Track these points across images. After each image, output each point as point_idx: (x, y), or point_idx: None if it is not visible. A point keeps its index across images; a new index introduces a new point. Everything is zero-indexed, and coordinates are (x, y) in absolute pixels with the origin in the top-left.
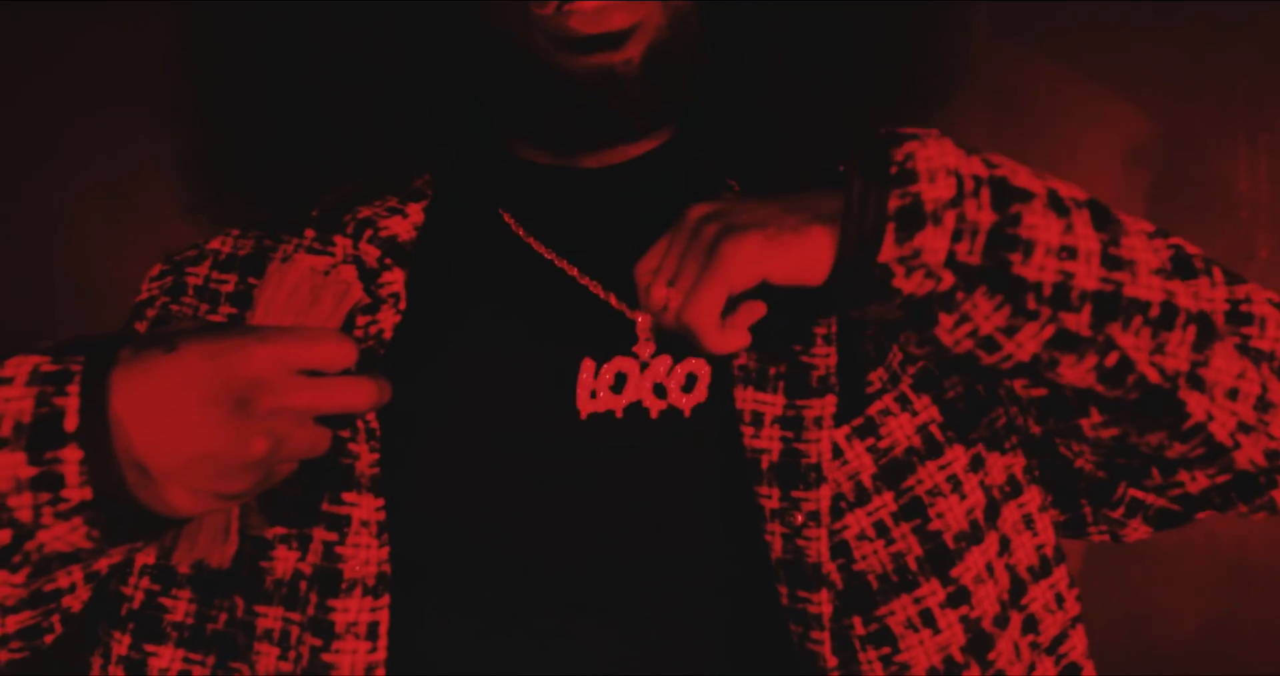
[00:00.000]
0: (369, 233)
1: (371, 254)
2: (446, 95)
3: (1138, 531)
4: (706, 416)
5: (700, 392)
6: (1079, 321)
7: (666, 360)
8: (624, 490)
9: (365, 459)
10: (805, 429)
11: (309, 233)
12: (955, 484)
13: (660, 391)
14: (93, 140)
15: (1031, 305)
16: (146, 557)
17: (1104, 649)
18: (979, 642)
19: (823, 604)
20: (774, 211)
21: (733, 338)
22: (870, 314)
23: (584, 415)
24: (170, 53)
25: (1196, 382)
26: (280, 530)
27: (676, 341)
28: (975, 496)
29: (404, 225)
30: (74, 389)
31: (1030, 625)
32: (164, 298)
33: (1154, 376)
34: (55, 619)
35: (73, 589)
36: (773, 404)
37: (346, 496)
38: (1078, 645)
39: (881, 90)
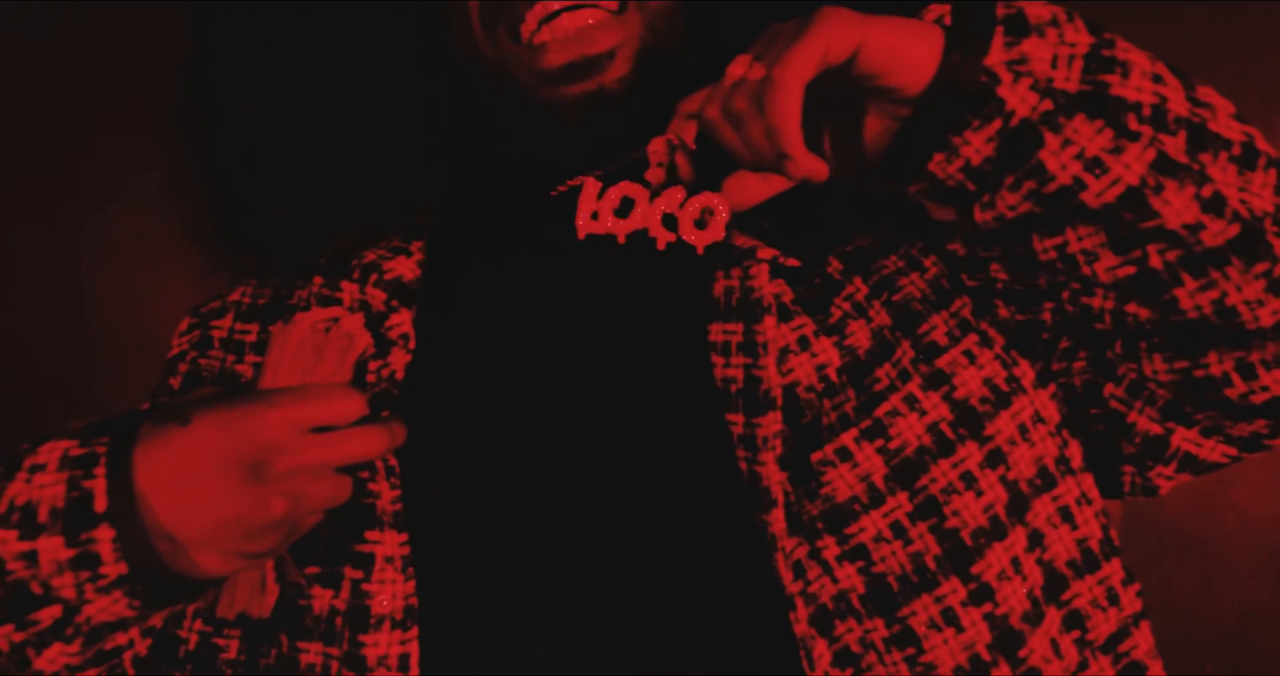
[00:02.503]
0: (374, 276)
1: (378, 297)
2: (433, 132)
3: (1174, 481)
4: (721, 257)
5: (716, 230)
6: (1177, 146)
7: (680, 191)
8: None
9: (387, 496)
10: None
11: (317, 280)
12: (970, 480)
13: (670, 223)
14: (121, 196)
15: (1133, 126)
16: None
17: None
18: (1007, 640)
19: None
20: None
21: (808, 155)
22: (964, 152)
23: (581, 235)
24: (170, 118)
25: None
26: (314, 569)
27: (703, 176)
28: (994, 492)
29: (408, 264)
30: (100, 470)
31: (1075, 621)
32: (193, 352)
33: (1245, 213)
34: (127, 664)
35: (131, 644)
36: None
37: (370, 535)
38: (1141, 643)
39: None
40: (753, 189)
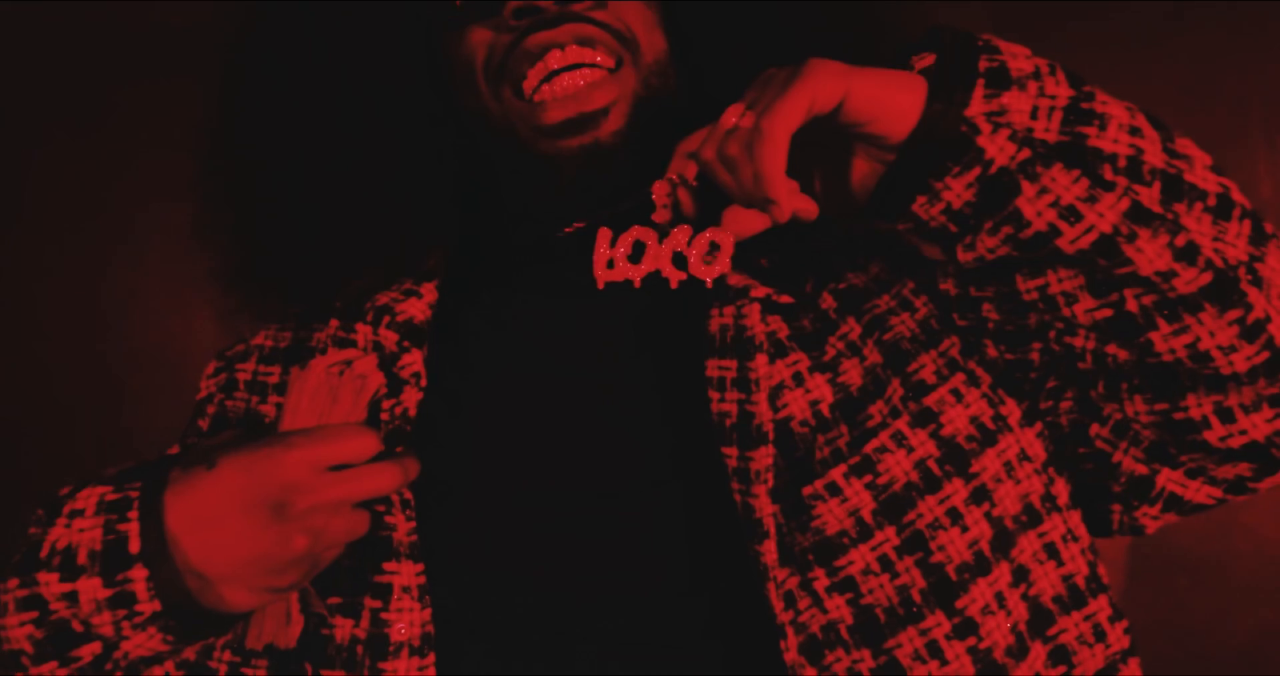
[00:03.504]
0: (386, 319)
1: (390, 338)
2: (441, 181)
3: (1160, 521)
4: (717, 295)
5: (723, 263)
6: (1151, 196)
7: (687, 229)
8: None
9: (403, 528)
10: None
11: (334, 322)
12: (955, 516)
13: (680, 261)
14: (151, 237)
15: (1109, 176)
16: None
17: (1154, 661)
18: (991, 673)
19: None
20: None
21: (796, 196)
22: (944, 196)
23: (600, 285)
24: (199, 168)
25: (1255, 276)
26: (335, 600)
27: (704, 214)
28: (979, 528)
29: (419, 306)
30: (134, 514)
31: (1060, 657)
32: (220, 394)
33: (1219, 261)
34: None
35: (167, 675)
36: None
37: (387, 565)
38: None
39: None
40: (750, 221)
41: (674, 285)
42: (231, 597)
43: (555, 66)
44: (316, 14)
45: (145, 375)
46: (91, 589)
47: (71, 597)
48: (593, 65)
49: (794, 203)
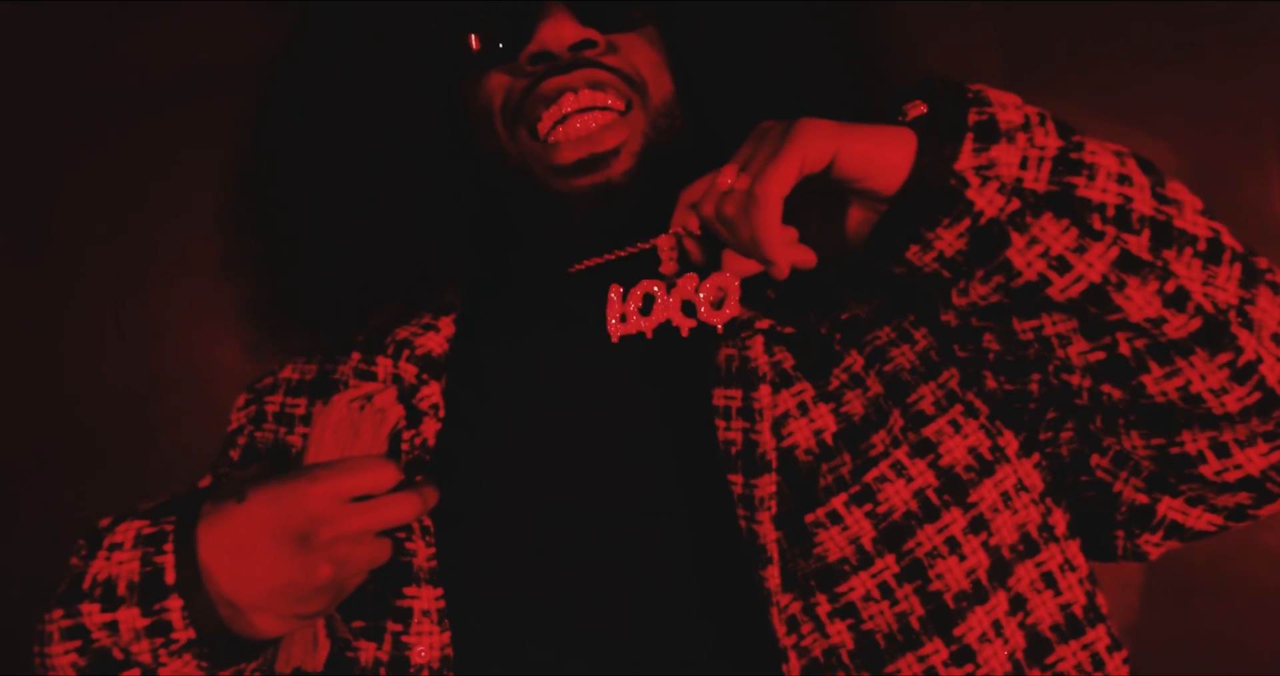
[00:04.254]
0: (406, 352)
1: (409, 371)
2: (458, 218)
3: (1162, 548)
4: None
5: (732, 307)
6: (1140, 244)
7: (694, 277)
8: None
9: (422, 554)
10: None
11: (355, 355)
12: (954, 545)
13: (689, 309)
14: (182, 270)
15: (1097, 225)
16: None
17: None
18: None
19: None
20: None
21: (793, 248)
22: (936, 245)
23: (615, 339)
24: (227, 209)
25: (1245, 319)
26: (359, 623)
27: (709, 262)
28: (976, 557)
29: (436, 339)
30: (169, 547)
31: None
32: (250, 426)
33: (1209, 306)
34: None
35: None
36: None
37: (407, 590)
38: None
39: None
40: (750, 264)
41: (685, 333)
42: (261, 625)
43: (569, 109)
44: (343, 57)
45: (172, 400)
46: (131, 618)
47: (112, 627)
48: (604, 108)
49: (791, 255)
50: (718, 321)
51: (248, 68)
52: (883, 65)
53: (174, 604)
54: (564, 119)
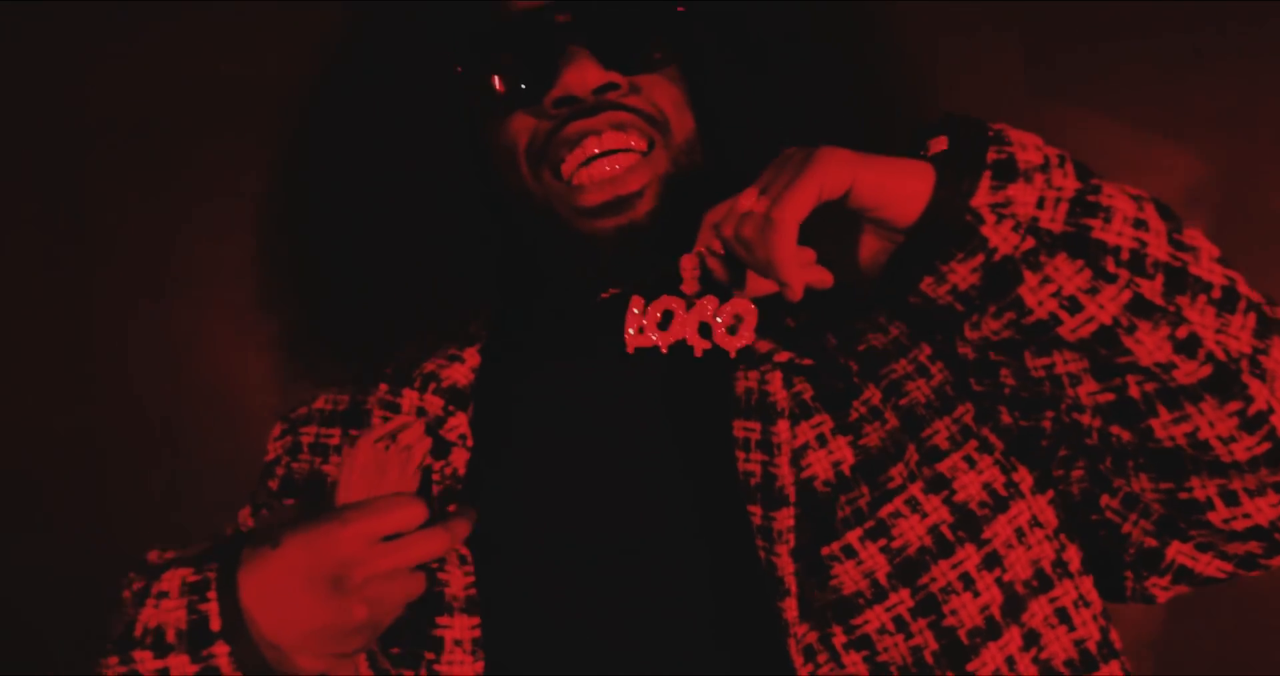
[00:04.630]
0: (433, 385)
1: (435, 404)
2: (483, 254)
3: (1170, 592)
4: (744, 358)
5: (746, 335)
6: (1153, 288)
7: (713, 300)
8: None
9: (457, 583)
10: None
11: (383, 387)
12: (968, 581)
13: (705, 331)
14: (218, 301)
15: (1111, 268)
16: None
17: None
18: None
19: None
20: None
21: (809, 270)
22: (950, 279)
23: (630, 349)
24: (261, 245)
25: (1258, 369)
26: (396, 650)
27: (729, 282)
28: (990, 593)
29: (462, 370)
30: (213, 595)
31: None
32: (286, 457)
33: (1220, 354)
34: None
35: None
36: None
37: (440, 620)
38: None
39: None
40: (769, 283)
41: (698, 353)
42: (304, 665)
43: (593, 152)
44: (372, 95)
45: (205, 414)
46: (181, 665)
47: (164, 673)
48: (627, 150)
49: (807, 277)
50: (731, 347)
51: (282, 79)
52: (904, 95)
53: (220, 649)
54: (588, 161)
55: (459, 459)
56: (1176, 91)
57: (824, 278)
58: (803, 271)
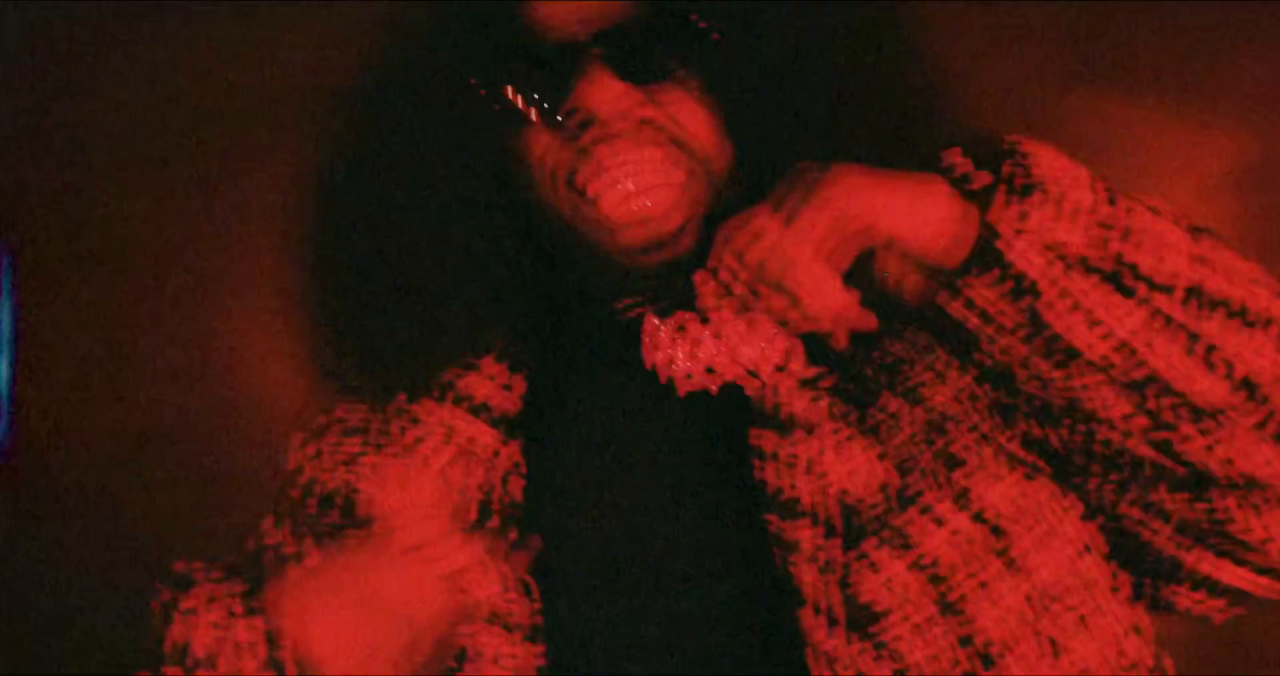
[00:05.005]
0: (485, 416)
1: (492, 436)
2: (514, 271)
3: (1190, 600)
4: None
5: (796, 370)
6: (1171, 303)
7: (736, 323)
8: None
9: (521, 611)
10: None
11: (401, 396)
12: (988, 591)
13: (753, 367)
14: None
15: (1129, 282)
16: None
17: None
18: None
19: None
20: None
21: (850, 311)
22: (966, 293)
23: (681, 393)
24: (297, 268)
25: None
26: None
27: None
28: (1010, 602)
29: (511, 399)
30: (240, 609)
31: None
32: (309, 466)
33: (1240, 369)
34: None
35: None
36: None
37: (504, 649)
38: None
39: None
40: (825, 290)
41: (749, 393)
42: None
43: (632, 188)
44: (400, 111)
45: (230, 421)
46: None
47: None
48: (664, 184)
49: (851, 323)
50: (779, 380)
51: (310, 88)
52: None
53: (248, 666)
54: (627, 198)
55: (515, 487)
56: (1217, 74)
57: (869, 323)
58: (845, 318)
